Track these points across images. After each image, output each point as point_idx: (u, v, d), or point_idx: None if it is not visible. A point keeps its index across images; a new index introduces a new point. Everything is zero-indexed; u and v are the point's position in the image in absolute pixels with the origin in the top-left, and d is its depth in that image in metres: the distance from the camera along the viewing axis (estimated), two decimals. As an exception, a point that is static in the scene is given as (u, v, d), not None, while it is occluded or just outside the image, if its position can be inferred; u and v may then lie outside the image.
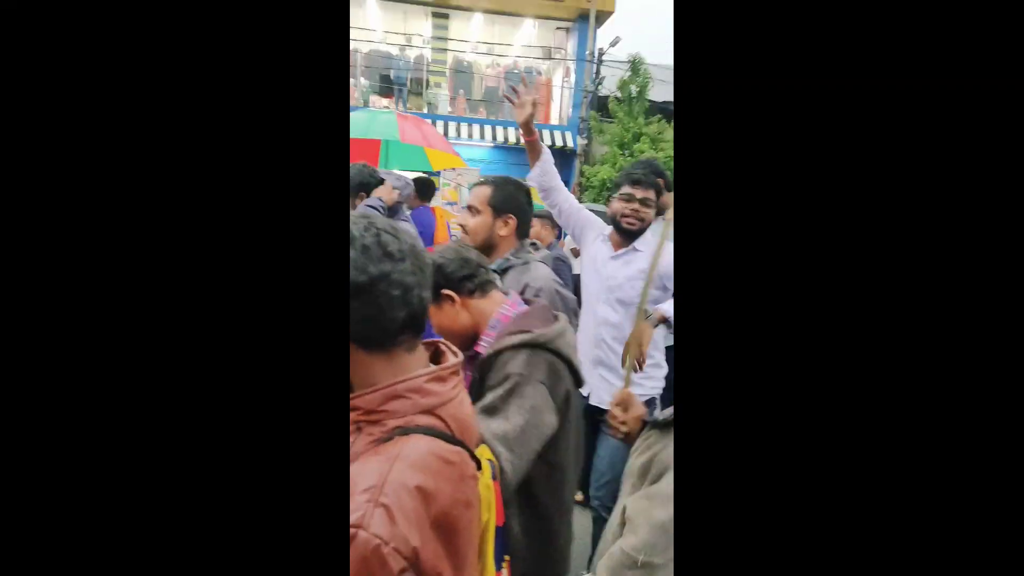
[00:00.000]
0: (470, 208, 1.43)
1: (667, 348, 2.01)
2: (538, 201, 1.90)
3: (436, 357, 0.73)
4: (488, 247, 1.42)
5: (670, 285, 1.76)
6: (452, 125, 9.67)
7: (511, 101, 1.69)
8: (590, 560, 1.95)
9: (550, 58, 10.87)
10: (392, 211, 2.25)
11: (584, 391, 1.77)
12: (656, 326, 1.60)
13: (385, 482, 0.56)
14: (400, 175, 2.46)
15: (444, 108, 10.03)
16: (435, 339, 0.75)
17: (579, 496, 1.50)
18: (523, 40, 10.79)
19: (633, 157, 8.83)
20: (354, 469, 0.58)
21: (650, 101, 10.01)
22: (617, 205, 1.78)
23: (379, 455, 0.59)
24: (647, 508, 0.69)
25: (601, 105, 10.30)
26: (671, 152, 9.23)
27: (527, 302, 1.16)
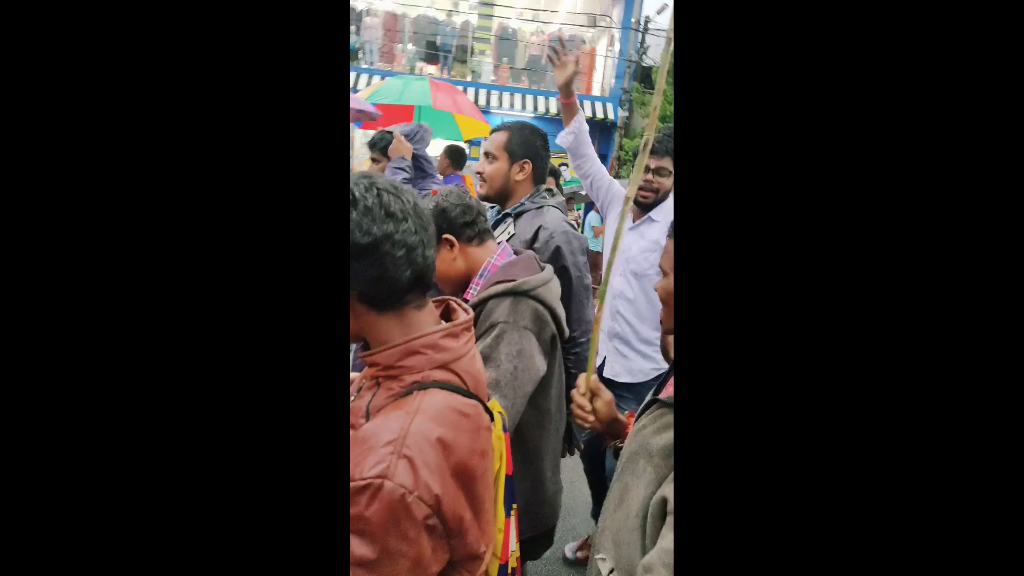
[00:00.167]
0: (487, 155, 1.41)
1: None
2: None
3: (446, 314, 0.75)
4: (505, 193, 1.42)
5: (640, 270, 1.68)
6: (494, 94, 9.72)
7: (552, 61, 1.63)
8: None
9: (595, 26, 10.69)
10: (421, 177, 2.20)
11: (598, 361, 1.81)
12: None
13: (407, 434, 0.57)
14: (407, 124, 2.37)
15: (487, 76, 10.07)
16: (444, 296, 0.77)
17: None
18: (569, 7, 10.63)
19: (674, 131, 8.66)
20: (375, 423, 0.60)
21: (695, 73, 9.72)
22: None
23: (399, 409, 0.61)
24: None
25: (644, 76, 10.14)
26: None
27: (516, 253, 1.16)
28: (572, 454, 1.51)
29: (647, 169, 1.71)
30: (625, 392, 1.79)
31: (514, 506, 0.82)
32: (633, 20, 9.61)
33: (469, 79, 10.05)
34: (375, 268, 0.61)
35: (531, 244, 1.32)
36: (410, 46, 10.19)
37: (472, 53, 10.30)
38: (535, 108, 9.74)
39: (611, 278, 1.88)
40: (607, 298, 1.84)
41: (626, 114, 9.86)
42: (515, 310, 1.04)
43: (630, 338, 1.80)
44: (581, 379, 0.96)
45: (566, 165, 9.08)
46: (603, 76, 10.47)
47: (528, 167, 1.41)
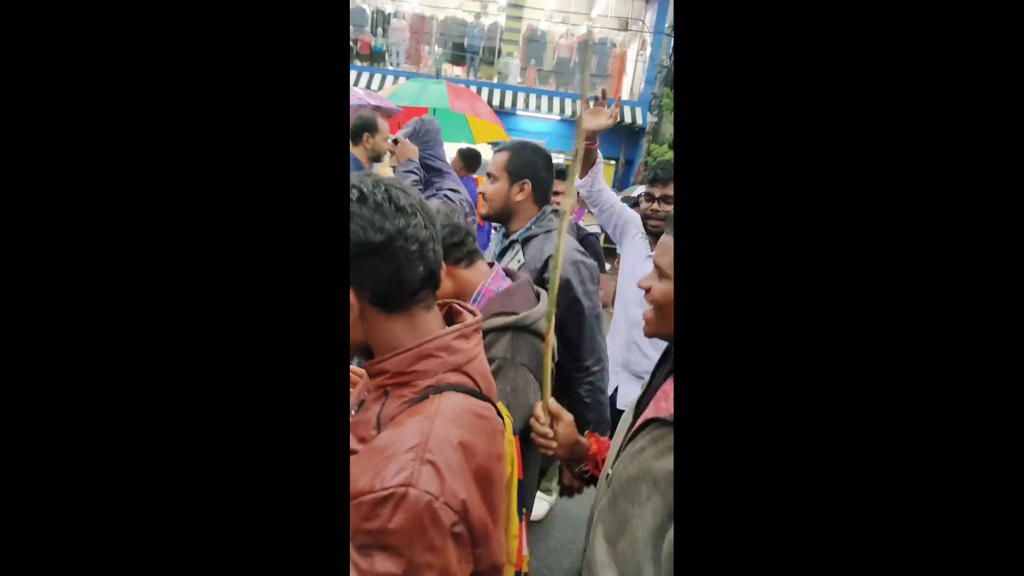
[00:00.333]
0: (489, 175, 1.40)
1: None
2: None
3: (449, 317, 0.73)
4: (507, 214, 1.39)
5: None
6: (520, 96, 9.62)
7: (596, 100, 1.52)
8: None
9: (626, 29, 10.49)
10: (438, 177, 2.12)
11: (610, 389, 1.74)
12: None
13: (429, 438, 0.56)
14: (408, 123, 2.26)
15: (514, 78, 9.97)
16: (448, 300, 0.74)
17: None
18: (600, 10, 10.46)
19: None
20: (391, 432, 0.58)
21: (729, 79, 9.46)
22: (643, 206, 1.77)
23: (417, 414, 0.59)
24: None
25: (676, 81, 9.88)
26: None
27: (509, 275, 1.13)
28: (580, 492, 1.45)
29: (653, 198, 1.72)
30: None
31: (524, 510, 0.80)
32: (667, 25, 9.37)
33: (496, 81, 9.95)
34: (389, 265, 0.59)
35: (542, 274, 1.28)
36: (437, 48, 10.15)
37: (499, 55, 10.21)
38: (561, 111, 9.58)
39: (628, 308, 1.80)
40: (623, 328, 1.85)
41: (655, 119, 9.62)
42: (514, 345, 1.01)
43: (647, 368, 1.75)
44: (538, 406, 0.92)
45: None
46: (633, 80, 10.25)
47: (527, 187, 1.38)
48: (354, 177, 0.60)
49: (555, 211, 1.41)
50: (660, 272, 0.74)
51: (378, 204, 0.58)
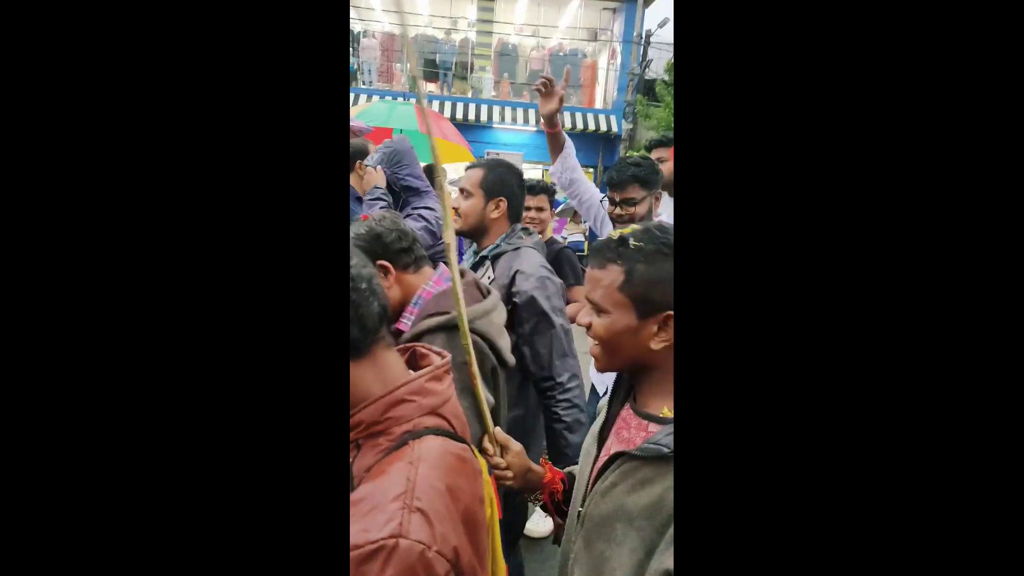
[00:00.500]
0: (462, 191, 1.40)
1: None
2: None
3: (414, 360, 0.70)
4: (480, 230, 1.40)
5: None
6: (496, 109, 9.66)
7: (539, 91, 1.60)
8: None
9: (596, 40, 10.64)
10: (415, 196, 2.07)
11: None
12: None
13: (415, 485, 0.54)
14: (379, 147, 2.25)
15: (488, 92, 10.02)
16: (410, 344, 0.73)
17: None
18: (569, 22, 10.60)
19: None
20: (373, 483, 0.55)
21: (699, 84, 9.63)
22: (607, 209, 1.72)
23: (398, 461, 0.57)
24: None
25: (648, 88, 10.03)
26: (720, 137, 8.88)
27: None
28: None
29: (614, 202, 1.66)
30: None
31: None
32: (635, 34, 9.52)
33: (470, 95, 9.98)
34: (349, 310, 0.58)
35: (509, 288, 1.28)
36: (409, 65, 10.16)
37: (472, 70, 10.26)
38: (537, 122, 9.63)
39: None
40: None
41: (630, 126, 9.73)
42: (450, 346, 0.96)
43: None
44: (485, 438, 0.87)
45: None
46: (605, 89, 10.37)
47: (503, 205, 1.40)
48: None
49: (524, 229, 1.42)
50: (596, 307, 0.70)
51: None
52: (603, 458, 0.70)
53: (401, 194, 2.08)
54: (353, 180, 2.11)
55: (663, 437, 0.63)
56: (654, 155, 2.12)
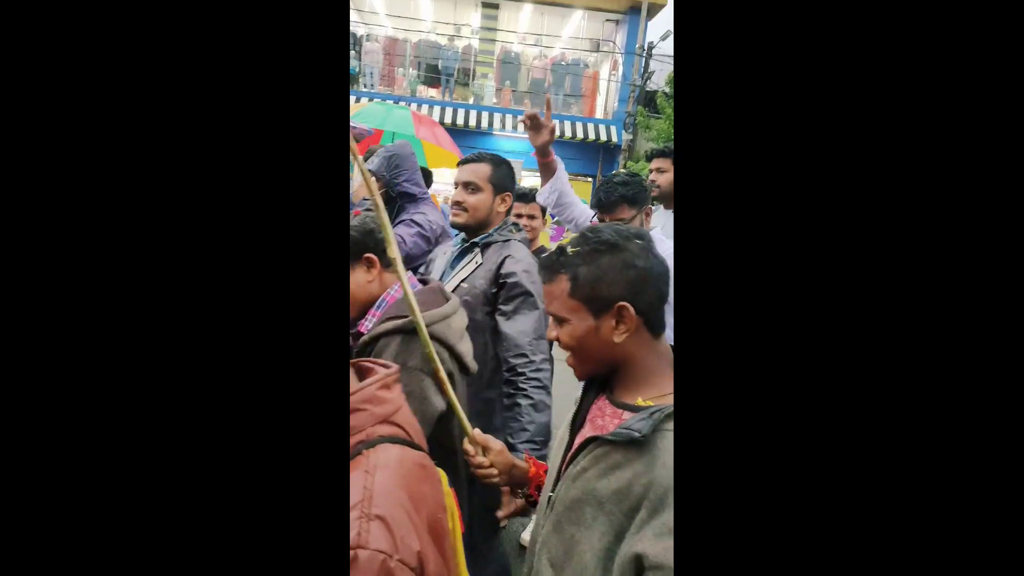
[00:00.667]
0: (467, 185, 1.41)
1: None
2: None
3: (360, 374, 0.69)
4: (484, 224, 1.43)
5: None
6: (497, 117, 9.67)
7: (525, 125, 1.59)
8: None
9: (598, 50, 10.70)
10: (411, 202, 2.04)
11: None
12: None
13: (372, 494, 0.52)
14: (377, 155, 2.24)
15: (490, 99, 10.03)
16: (355, 360, 0.72)
17: None
18: (571, 32, 10.66)
19: (679, 154, 8.62)
20: None
21: (700, 97, 9.69)
22: None
23: (353, 471, 0.55)
24: (672, 544, 0.57)
25: (649, 100, 10.08)
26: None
27: (423, 282, 1.11)
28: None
29: (603, 223, 1.66)
30: None
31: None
32: (637, 46, 9.58)
33: (471, 102, 9.99)
34: None
35: (498, 271, 1.34)
36: (411, 70, 10.18)
37: (474, 76, 10.28)
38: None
39: None
40: None
41: (630, 137, 9.75)
42: (405, 350, 0.98)
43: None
44: (466, 441, 0.89)
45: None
46: (606, 100, 10.41)
47: (509, 199, 1.46)
48: None
49: (515, 224, 1.49)
50: (556, 319, 0.73)
51: None
52: (576, 444, 0.71)
53: (397, 200, 2.04)
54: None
55: (635, 422, 0.64)
56: (653, 165, 2.12)
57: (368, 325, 1.04)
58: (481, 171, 1.42)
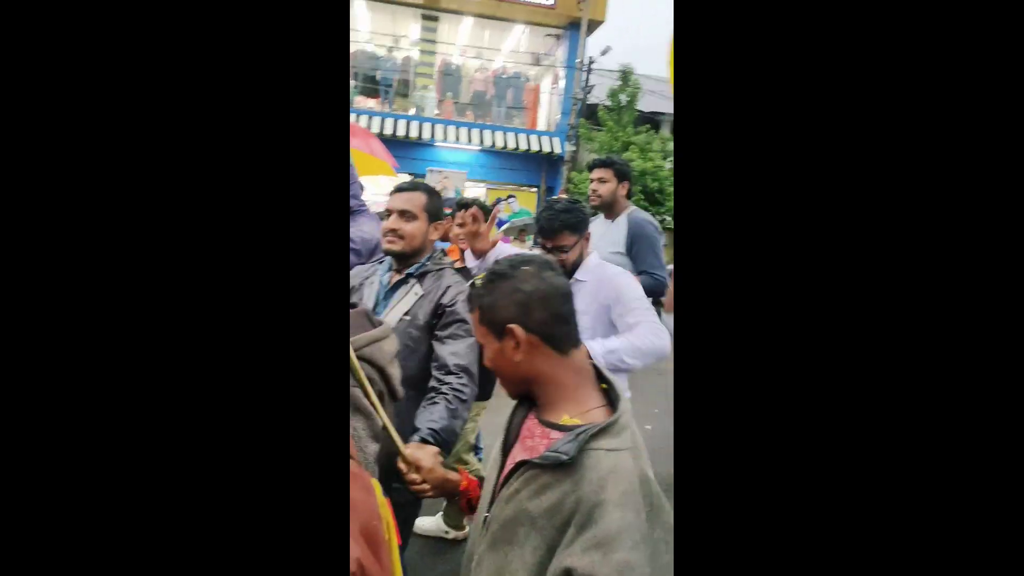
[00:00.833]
0: (403, 213, 1.42)
1: None
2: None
3: None
4: (418, 252, 1.44)
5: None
6: (439, 128, 9.54)
7: (463, 226, 1.62)
8: None
9: (539, 64, 10.82)
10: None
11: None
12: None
13: None
14: None
15: (431, 111, 9.90)
16: None
17: None
18: (512, 45, 10.73)
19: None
20: None
21: (639, 111, 10.01)
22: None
23: None
24: (601, 557, 0.60)
25: (590, 113, 10.29)
26: (659, 162, 9.23)
27: (352, 306, 1.12)
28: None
29: (545, 248, 1.67)
30: None
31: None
32: (577, 60, 9.76)
33: (413, 113, 9.81)
34: None
35: (440, 299, 1.38)
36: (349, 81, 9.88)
37: (414, 88, 10.12)
38: (481, 142, 9.59)
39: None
40: None
41: (573, 148, 9.89)
42: None
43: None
44: (398, 459, 0.93)
45: (514, 196, 8.89)
46: (549, 112, 10.53)
47: (441, 228, 1.48)
48: None
49: (442, 251, 1.52)
50: (480, 344, 0.80)
51: None
52: (509, 465, 0.75)
53: None
54: None
55: (562, 445, 0.68)
56: (595, 175, 2.16)
57: None
58: (416, 200, 1.43)
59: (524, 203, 9.77)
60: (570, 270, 1.65)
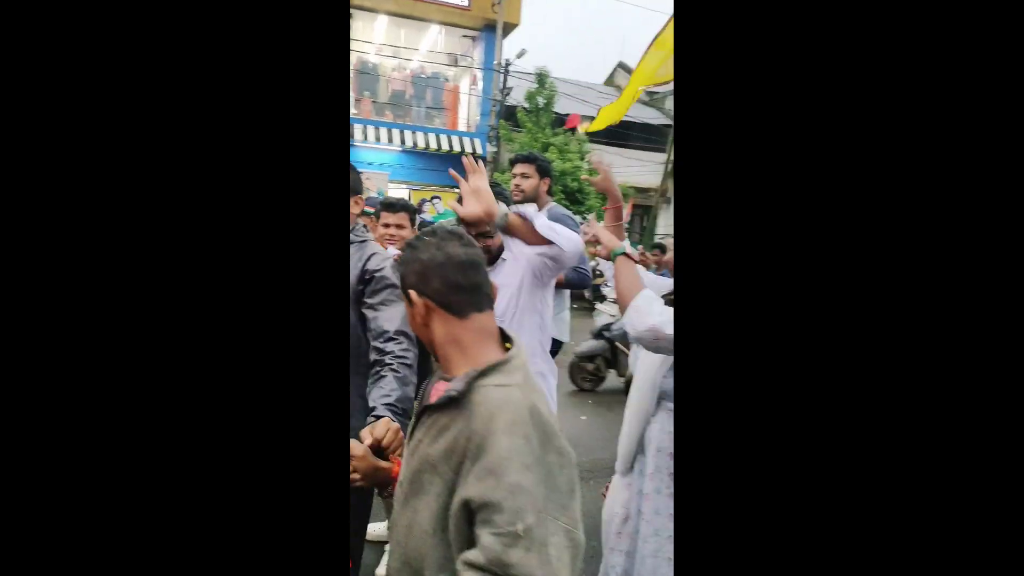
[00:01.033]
0: None
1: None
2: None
3: None
4: None
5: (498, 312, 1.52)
6: (358, 128, 9.31)
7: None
8: None
9: (456, 65, 10.88)
10: None
11: None
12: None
13: None
14: None
15: (350, 110, 9.62)
16: None
17: None
18: (429, 45, 10.70)
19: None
20: None
21: (555, 113, 10.37)
22: None
23: None
24: (494, 482, 0.63)
25: (510, 114, 10.49)
26: (577, 162, 9.62)
27: None
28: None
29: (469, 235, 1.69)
30: None
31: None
32: (495, 62, 9.92)
33: (328, 113, 9.48)
34: None
35: (364, 266, 1.40)
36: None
37: (330, 86, 9.77)
38: (402, 142, 9.49)
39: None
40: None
41: (494, 149, 10.04)
42: None
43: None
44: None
45: (438, 197, 8.90)
46: (468, 113, 10.62)
47: (361, 202, 1.52)
48: None
49: (364, 225, 1.51)
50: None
51: None
52: (413, 423, 0.79)
53: None
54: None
55: (454, 384, 0.72)
56: (516, 170, 2.19)
57: None
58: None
59: (448, 204, 9.77)
60: (496, 253, 1.69)
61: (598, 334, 4.23)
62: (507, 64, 9.99)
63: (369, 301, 1.36)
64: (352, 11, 9.81)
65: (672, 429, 1.14)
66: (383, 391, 1.24)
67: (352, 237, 1.45)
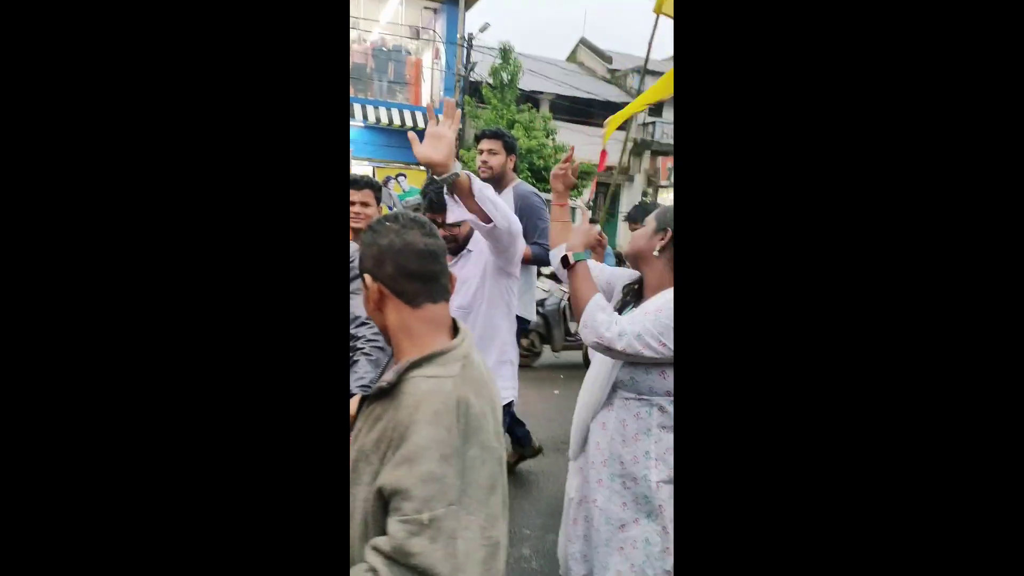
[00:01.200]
0: None
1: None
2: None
3: None
4: None
5: (464, 303, 1.61)
6: (316, 103, 8.97)
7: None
8: None
9: (418, 38, 10.58)
10: None
11: None
12: None
13: None
14: None
15: (306, 84, 9.24)
16: None
17: None
18: (390, 17, 10.35)
19: (506, 143, 9.04)
20: None
21: (521, 90, 10.25)
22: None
23: None
24: (407, 470, 0.62)
25: (474, 90, 10.32)
26: (543, 140, 9.59)
27: None
28: None
29: (437, 223, 1.69)
30: None
31: None
32: (458, 36, 9.69)
33: (285, 86, 9.09)
34: None
35: None
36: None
37: (286, 58, 9.34)
38: (364, 117, 9.23)
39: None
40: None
41: (459, 126, 9.87)
42: None
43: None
44: None
45: (403, 175, 8.74)
46: (431, 88, 10.38)
47: None
48: None
49: None
50: None
51: None
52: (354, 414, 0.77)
53: None
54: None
55: (386, 375, 0.72)
56: (483, 146, 2.13)
57: None
58: None
59: (413, 182, 9.64)
60: (463, 243, 1.69)
61: (533, 309, 4.25)
62: (470, 38, 9.78)
63: (352, 287, 1.36)
64: (307, -22, 9.34)
65: (625, 418, 1.11)
66: (357, 374, 1.28)
67: None
